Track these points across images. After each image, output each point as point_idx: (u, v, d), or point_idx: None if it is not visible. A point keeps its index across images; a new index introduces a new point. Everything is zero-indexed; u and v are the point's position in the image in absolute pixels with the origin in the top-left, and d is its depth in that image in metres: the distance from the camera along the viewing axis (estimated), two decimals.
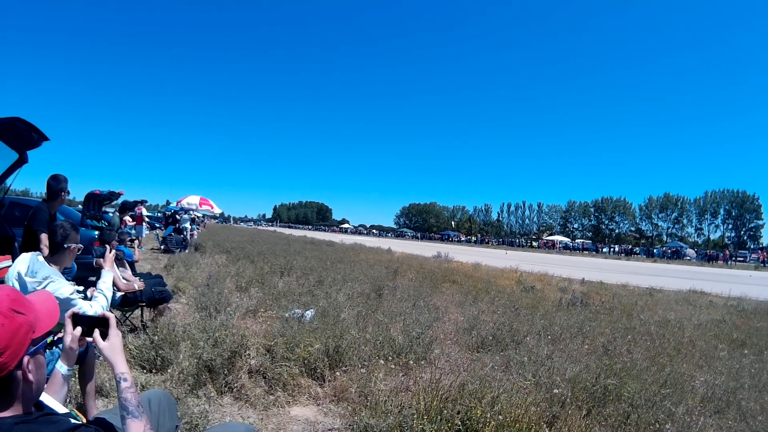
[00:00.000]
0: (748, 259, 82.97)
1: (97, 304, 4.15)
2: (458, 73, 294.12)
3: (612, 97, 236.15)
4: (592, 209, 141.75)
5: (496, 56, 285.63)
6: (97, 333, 2.30)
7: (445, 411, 4.60)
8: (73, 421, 1.85)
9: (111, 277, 4.61)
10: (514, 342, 8.49)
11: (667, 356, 8.35)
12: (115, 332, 2.31)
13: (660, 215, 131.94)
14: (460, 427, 4.45)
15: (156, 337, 6.46)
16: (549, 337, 9.09)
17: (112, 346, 2.28)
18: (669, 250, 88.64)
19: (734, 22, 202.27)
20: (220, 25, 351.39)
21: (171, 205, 33.65)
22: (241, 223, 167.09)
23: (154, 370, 6.12)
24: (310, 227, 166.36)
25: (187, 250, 24.09)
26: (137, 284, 7.83)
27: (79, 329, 2.31)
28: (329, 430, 5.09)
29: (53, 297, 2.19)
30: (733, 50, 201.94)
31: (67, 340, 2.31)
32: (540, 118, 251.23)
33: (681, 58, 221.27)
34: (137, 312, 8.59)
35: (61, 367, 2.35)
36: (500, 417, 4.47)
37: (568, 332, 9.53)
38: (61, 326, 2.34)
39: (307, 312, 8.92)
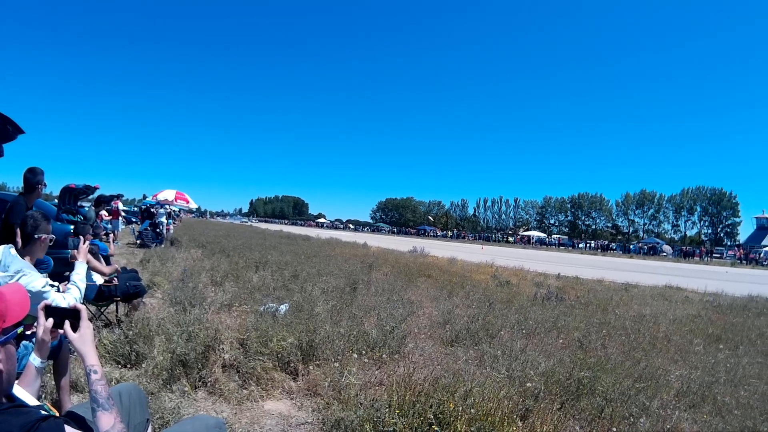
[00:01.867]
0: (724, 255, 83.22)
1: (70, 296, 4.14)
2: (435, 68, 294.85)
3: (590, 94, 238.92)
4: (568, 205, 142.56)
5: (473, 51, 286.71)
6: (67, 324, 2.30)
7: (417, 405, 4.60)
8: (42, 412, 1.87)
9: (84, 268, 4.60)
10: (488, 336, 8.51)
11: (642, 351, 8.42)
12: (86, 324, 2.32)
13: (636, 212, 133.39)
14: (433, 421, 4.44)
15: (130, 332, 6.44)
16: (523, 331, 9.11)
17: (83, 338, 2.29)
18: (645, 246, 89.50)
19: (710, 19, 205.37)
20: (193, 16, 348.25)
21: (147, 199, 33.42)
22: (218, 218, 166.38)
23: (128, 365, 6.10)
24: (286, 222, 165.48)
25: (162, 245, 23.98)
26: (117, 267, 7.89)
27: (51, 321, 2.31)
28: (302, 424, 5.09)
29: (24, 288, 2.21)
30: (710, 48, 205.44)
31: (40, 331, 2.32)
32: (518, 114, 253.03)
33: (659, 55, 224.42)
34: (112, 307, 8.57)
35: (35, 360, 2.36)
36: (472, 411, 4.49)
37: (543, 326, 9.59)
38: (32, 319, 2.36)
39: (282, 306, 8.93)
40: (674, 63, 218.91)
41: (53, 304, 2.43)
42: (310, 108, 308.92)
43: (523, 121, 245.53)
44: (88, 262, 5.23)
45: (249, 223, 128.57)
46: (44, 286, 4.16)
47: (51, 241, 4.61)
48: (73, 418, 2.30)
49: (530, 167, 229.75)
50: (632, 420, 5.26)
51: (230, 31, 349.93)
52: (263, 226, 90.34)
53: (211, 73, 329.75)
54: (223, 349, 6.19)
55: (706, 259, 76.97)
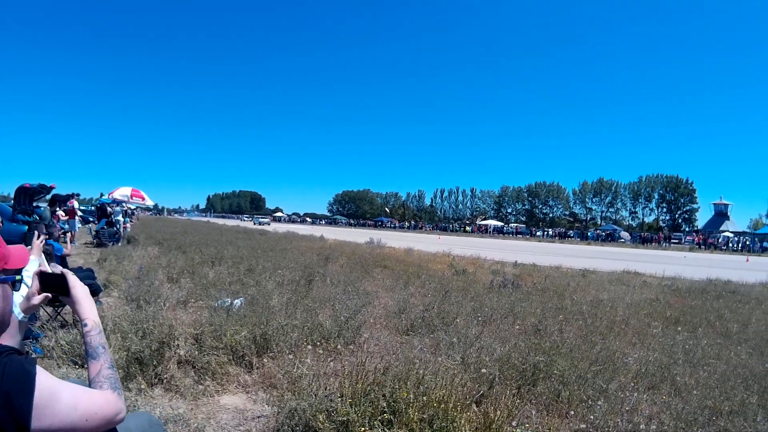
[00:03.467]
0: (683, 241, 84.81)
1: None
2: (389, 58, 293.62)
3: (545, 82, 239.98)
4: (525, 194, 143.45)
5: (428, 40, 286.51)
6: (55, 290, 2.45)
7: (371, 393, 4.64)
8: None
9: (36, 265, 4.60)
10: (443, 324, 8.53)
11: (600, 335, 8.44)
12: (75, 285, 2.43)
13: (594, 199, 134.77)
14: (386, 409, 4.49)
15: (82, 337, 6.42)
16: (480, 318, 9.16)
17: (74, 297, 2.40)
18: (603, 233, 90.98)
19: (670, 2, 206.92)
20: (147, 11, 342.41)
21: (104, 197, 33.02)
22: (175, 215, 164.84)
23: (85, 366, 6.09)
24: (243, 217, 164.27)
25: (119, 243, 23.65)
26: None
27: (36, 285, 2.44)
28: (258, 417, 5.13)
29: (25, 248, 2.29)
30: (667, 36, 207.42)
31: (33, 294, 2.44)
32: (473, 104, 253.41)
33: (614, 42, 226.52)
34: (68, 308, 8.51)
35: (19, 314, 2.42)
36: (424, 398, 4.53)
37: (499, 313, 9.61)
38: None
39: (236, 300, 8.92)
40: (633, 51, 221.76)
41: (46, 271, 2.50)
42: (265, 102, 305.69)
43: (481, 111, 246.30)
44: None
45: (206, 219, 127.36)
46: None
47: None
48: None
49: (487, 157, 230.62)
50: (590, 403, 5.31)
51: (181, 25, 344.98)
52: (220, 221, 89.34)
53: (164, 69, 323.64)
54: (177, 345, 6.19)
55: (664, 244, 78.56)
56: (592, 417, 5.02)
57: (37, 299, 2.45)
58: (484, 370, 5.83)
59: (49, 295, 2.46)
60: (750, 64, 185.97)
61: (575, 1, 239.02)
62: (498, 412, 4.61)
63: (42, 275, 2.45)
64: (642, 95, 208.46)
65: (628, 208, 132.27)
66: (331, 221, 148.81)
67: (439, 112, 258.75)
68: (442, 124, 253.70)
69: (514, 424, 4.63)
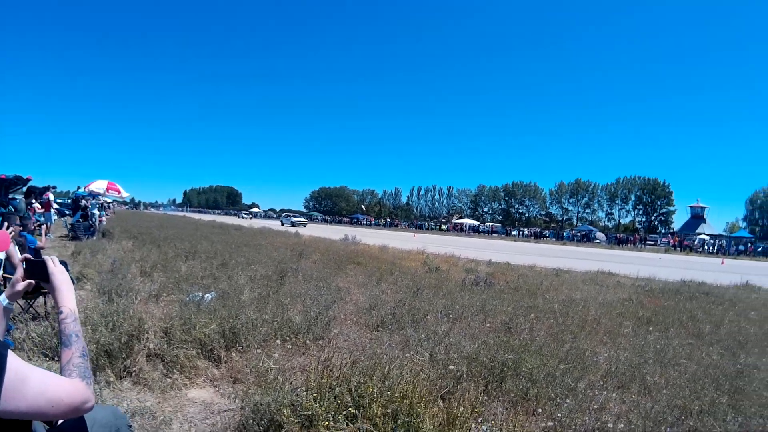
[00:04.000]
0: (659, 243, 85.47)
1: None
2: (365, 56, 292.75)
3: (525, 82, 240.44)
4: (502, 193, 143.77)
5: (403, 37, 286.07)
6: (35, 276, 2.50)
7: (337, 388, 4.67)
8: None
9: (2, 257, 4.62)
10: (414, 321, 8.59)
11: (571, 333, 8.49)
12: (58, 272, 2.47)
13: (570, 200, 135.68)
14: (350, 404, 4.52)
15: (57, 324, 6.43)
16: (450, 315, 9.21)
17: (53, 284, 2.43)
18: (578, 233, 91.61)
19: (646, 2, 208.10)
20: (118, 3, 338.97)
21: (80, 190, 32.71)
22: (152, 209, 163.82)
23: (56, 358, 6.08)
24: (220, 212, 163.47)
25: (94, 237, 23.53)
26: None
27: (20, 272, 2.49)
28: (224, 411, 5.16)
29: (6, 232, 2.36)
30: (647, 37, 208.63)
31: (17, 281, 2.47)
32: (452, 102, 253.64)
33: (593, 42, 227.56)
34: (40, 300, 8.51)
35: (4, 300, 2.47)
36: (389, 393, 4.57)
37: (470, 311, 9.70)
38: None
39: (207, 295, 8.94)
40: (608, 50, 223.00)
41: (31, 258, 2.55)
42: (243, 98, 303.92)
43: (459, 111, 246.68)
44: (8, 253, 5.24)
45: (183, 213, 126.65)
46: None
47: None
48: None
49: (465, 156, 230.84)
50: (557, 401, 5.35)
51: (157, 19, 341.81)
52: (197, 216, 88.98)
53: (142, 63, 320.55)
54: (147, 338, 6.22)
55: (639, 246, 78.89)
56: (559, 415, 5.04)
57: (21, 285, 2.48)
58: (452, 367, 5.89)
59: (33, 282, 2.50)
60: (729, 67, 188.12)
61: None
62: (462, 409, 4.64)
63: (27, 262, 2.51)
64: (621, 97, 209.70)
65: (604, 209, 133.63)
66: (308, 217, 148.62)
67: (416, 110, 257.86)
68: (420, 123, 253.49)
69: (480, 420, 4.70)
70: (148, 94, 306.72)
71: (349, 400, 4.61)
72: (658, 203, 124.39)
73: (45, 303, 8.61)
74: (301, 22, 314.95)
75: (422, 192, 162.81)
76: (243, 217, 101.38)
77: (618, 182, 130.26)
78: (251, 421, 4.62)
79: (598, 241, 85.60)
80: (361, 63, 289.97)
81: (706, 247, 73.83)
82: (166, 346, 6.22)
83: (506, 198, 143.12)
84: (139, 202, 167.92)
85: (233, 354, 6.37)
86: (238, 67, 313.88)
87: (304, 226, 75.03)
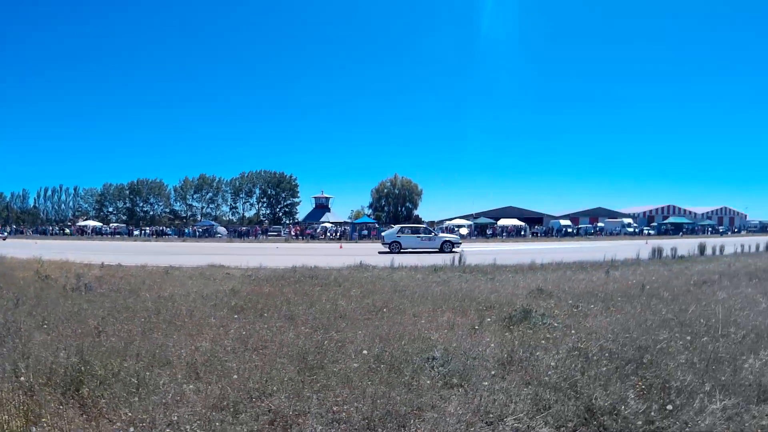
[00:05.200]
0: (282, 233, 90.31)
1: None
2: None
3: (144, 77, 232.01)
4: (127, 191, 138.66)
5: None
6: None
7: None
8: None
9: None
10: None
11: (161, 330, 8.78)
12: None
13: (195, 196, 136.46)
14: None
15: None
16: (44, 325, 9.16)
17: None
18: (200, 229, 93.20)
19: None
20: None
21: None
22: None
23: None
24: None
25: None
26: None
27: None
28: None
29: None
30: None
31: None
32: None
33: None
34: None
35: None
36: None
37: (61, 318, 9.74)
38: None
39: None
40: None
41: None
42: None
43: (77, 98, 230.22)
44: None
45: None
46: None
47: None
48: None
49: (90, 151, 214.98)
50: (130, 400, 5.52)
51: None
52: None
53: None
54: None
55: (260, 237, 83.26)
56: (130, 414, 5.26)
57: None
58: (23, 379, 5.84)
59: None
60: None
61: None
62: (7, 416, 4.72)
63: None
64: (244, 91, 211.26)
65: (228, 204, 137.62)
66: None
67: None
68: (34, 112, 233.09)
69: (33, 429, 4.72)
70: None
71: None
72: (283, 195, 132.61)
73: None
74: None
75: (49, 193, 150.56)
76: None
77: (243, 176, 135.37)
78: None
79: (219, 235, 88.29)
80: None
81: (328, 234, 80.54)
82: None
83: (131, 196, 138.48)
84: None
85: None
86: None
87: None
